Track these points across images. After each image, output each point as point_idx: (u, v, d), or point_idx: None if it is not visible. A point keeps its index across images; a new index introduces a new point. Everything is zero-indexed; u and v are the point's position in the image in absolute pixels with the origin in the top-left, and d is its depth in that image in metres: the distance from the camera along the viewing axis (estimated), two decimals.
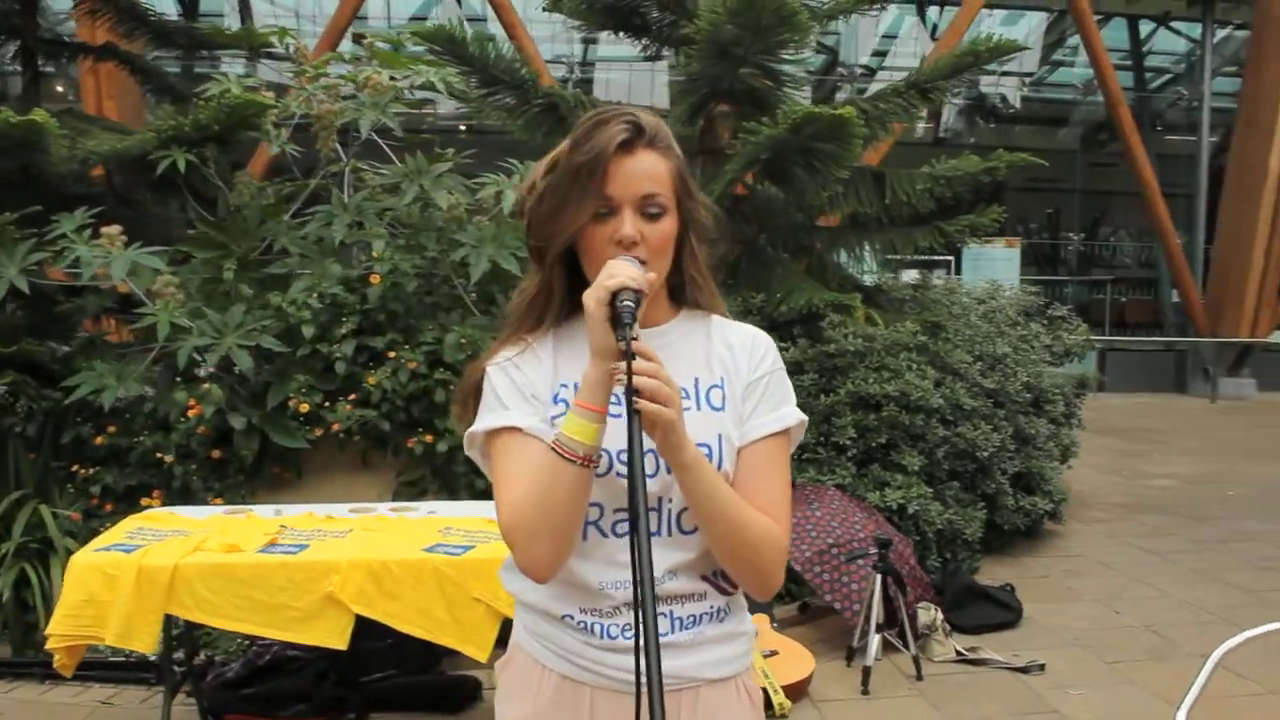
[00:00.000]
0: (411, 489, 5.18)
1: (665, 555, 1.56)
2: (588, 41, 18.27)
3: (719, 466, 1.56)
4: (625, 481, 1.48)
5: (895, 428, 6.14)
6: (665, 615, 1.57)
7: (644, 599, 1.31)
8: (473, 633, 3.41)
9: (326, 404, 5.06)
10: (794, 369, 6.22)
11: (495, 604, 3.37)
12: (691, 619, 1.60)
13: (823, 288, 6.63)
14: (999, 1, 16.14)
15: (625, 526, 1.53)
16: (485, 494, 5.15)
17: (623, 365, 1.41)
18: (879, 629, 4.76)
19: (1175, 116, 20.62)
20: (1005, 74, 19.01)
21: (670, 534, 1.58)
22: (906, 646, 4.85)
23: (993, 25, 17.45)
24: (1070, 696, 4.67)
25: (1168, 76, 21.07)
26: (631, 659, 1.42)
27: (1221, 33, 18.67)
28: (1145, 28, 19.87)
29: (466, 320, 5.31)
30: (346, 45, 13.57)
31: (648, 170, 1.56)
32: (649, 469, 1.52)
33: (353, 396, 5.08)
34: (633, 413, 1.39)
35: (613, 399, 1.47)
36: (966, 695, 4.68)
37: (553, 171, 1.62)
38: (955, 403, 6.41)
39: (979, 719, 4.46)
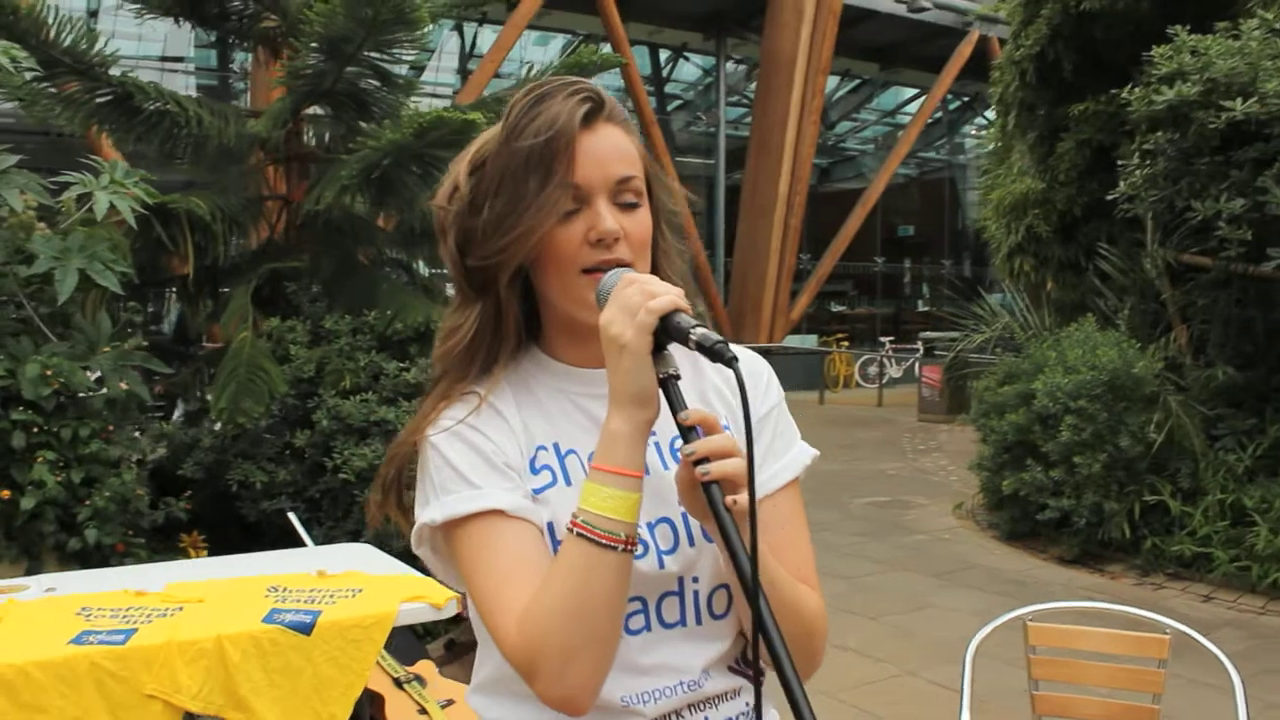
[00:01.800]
0: None
1: (698, 649, 1.25)
2: None
3: None
4: (638, 563, 1.18)
5: None
6: None
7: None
8: None
9: None
10: (416, 390, 5.84)
11: (174, 699, 2.73)
12: None
13: (437, 304, 6.29)
14: (538, 23, 16.56)
15: (642, 620, 1.22)
16: (79, 556, 4.31)
17: (690, 417, 1.12)
18: None
19: (694, 140, 22.31)
20: None
21: (700, 621, 1.26)
22: None
23: (525, 44, 17.93)
24: None
25: (678, 103, 22.78)
26: None
27: (733, 66, 20.50)
28: (665, 56, 21.34)
29: (43, 347, 4.39)
30: None
31: (618, 148, 1.24)
32: (664, 543, 1.22)
33: None
34: (709, 484, 1.08)
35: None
36: None
37: (482, 169, 1.25)
38: None
39: None
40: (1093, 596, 6.58)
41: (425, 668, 4.33)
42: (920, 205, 27.52)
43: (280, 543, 5.14)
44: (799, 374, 19.50)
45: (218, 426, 5.99)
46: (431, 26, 5.72)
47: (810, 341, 21.32)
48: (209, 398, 6.31)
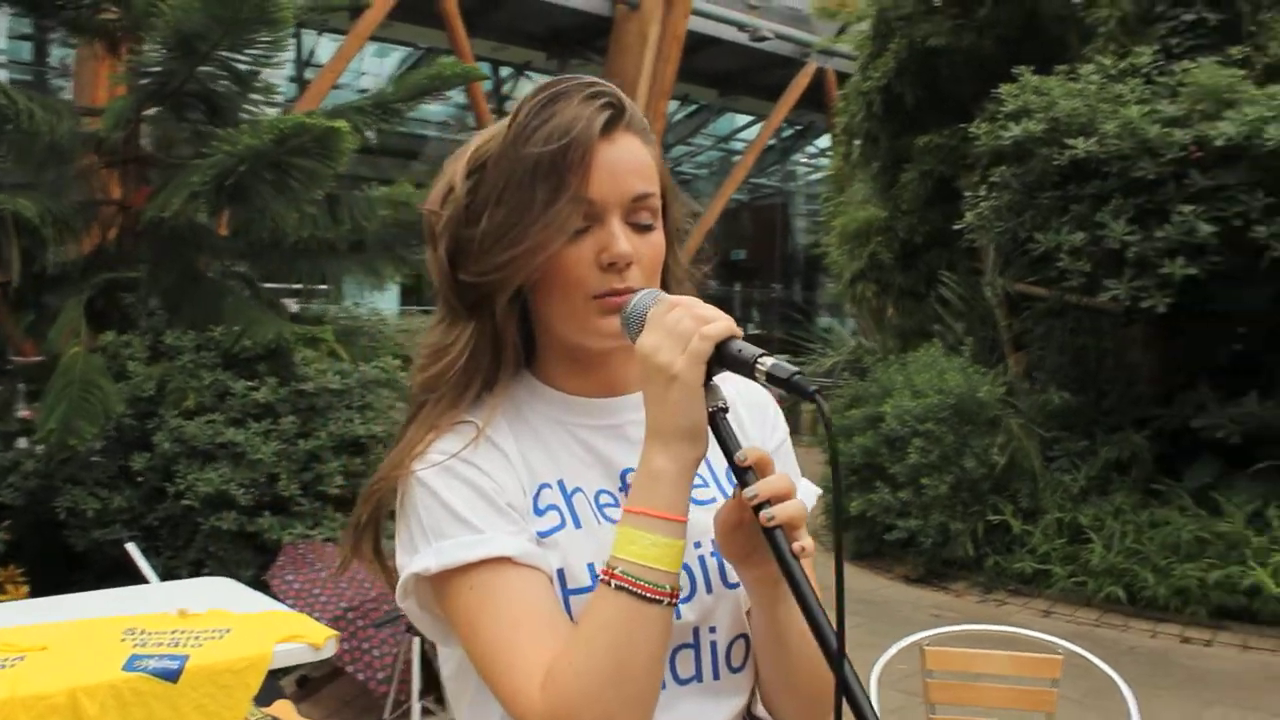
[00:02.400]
0: None
1: (717, 706, 1.14)
2: None
3: None
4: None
5: None
6: None
7: None
8: None
9: None
10: (266, 411, 5.52)
11: None
12: None
13: (283, 319, 5.98)
14: (381, 34, 16.13)
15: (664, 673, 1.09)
16: None
17: (748, 457, 1.01)
18: (421, 695, 4.32)
19: None
20: None
21: (718, 676, 1.15)
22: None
23: (363, 55, 17.49)
24: None
25: None
26: None
27: None
28: (506, 73, 21.14)
29: None
30: None
31: (636, 162, 1.11)
32: (683, 589, 1.08)
33: None
34: (767, 529, 0.98)
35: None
36: None
37: (481, 172, 1.11)
38: None
39: None
40: (940, 614, 6.74)
41: (283, 709, 4.04)
42: (752, 230, 28.04)
43: (112, 575, 4.77)
44: None
45: (39, 449, 5.51)
46: (293, 28, 5.43)
47: None
48: (25, 415, 5.83)
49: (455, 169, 1.14)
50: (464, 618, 1.05)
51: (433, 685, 4.55)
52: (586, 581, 1.08)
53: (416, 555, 1.07)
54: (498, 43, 16.90)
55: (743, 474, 1.02)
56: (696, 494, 1.17)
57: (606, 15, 17.32)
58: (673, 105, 20.20)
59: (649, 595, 0.99)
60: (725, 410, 1.04)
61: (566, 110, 1.08)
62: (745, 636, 1.17)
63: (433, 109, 21.41)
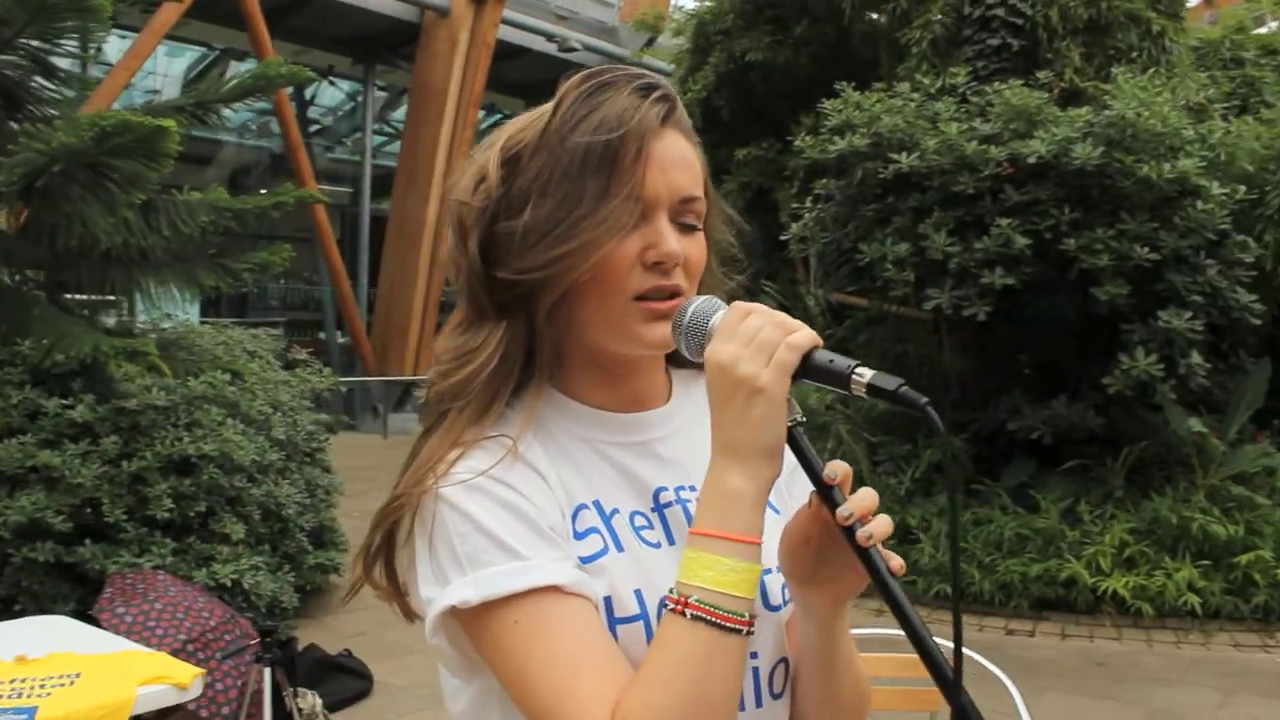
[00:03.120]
0: None
1: None
2: None
3: None
4: None
5: (214, 493, 5.35)
6: None
7: None
8: None
9: None
10: (84, 431, 5.10)
11: None
12: None
13: (98, 331, 5.54)
14: (175, 33, 15.27)
15: None
16: None
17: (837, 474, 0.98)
18: None
19: (336, 167, 21.45)
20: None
21: (760, 703, 1.09)
22: None
23: (155, 54, 16.57)
24: None
25: (318, 127, 21.90)
26: None
27: (382, 94, 19.97)
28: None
29: None
30: None
31: (686, 160, 1.06)
32: None
33: None
34: (864, 549, 0.95)
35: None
36: None
37: (517, 162, 1.04)
38: (260, 458, 5.81)
39: None
40: None
41: None
42: None
43: None
44: None
45: None
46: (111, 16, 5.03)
47: None
48: None
49: (487, 158, 1.06)
50: (509, 655, 0.95)
51: (282, 717, 4.29)
52: (634, 609, 1.01)
53: (449, 586, 0.96)
54: (300, 46, 16.28)
55: (829, 491, 0.97)
56: None
57: (414, 21, 17.01)
58: (479, 114, 19.98)
59: (729, 625, 0.92)
60: (803, 423, 0.99)
61: (616, 100, 1.02)
62: (785, 661, 1.12)
63: (225, 112, 20.44)
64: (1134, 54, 8.02)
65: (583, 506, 1.03)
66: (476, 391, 1.03)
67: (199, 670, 3.00)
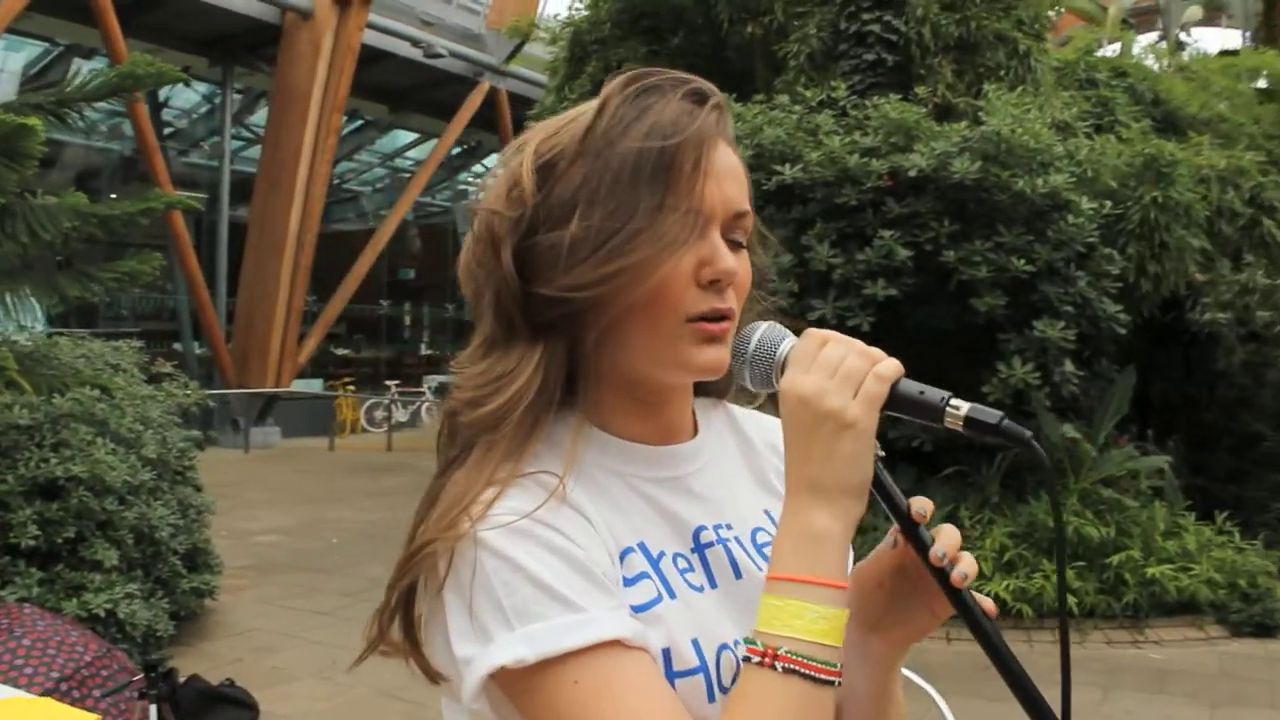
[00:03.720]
0: None
1: None
2: None
3: None
4: None
5: (84, 517, 5.03)
6: None
7: None
8: None
9: None
10: None
11: None
12: None
13: None
14: (16, 27, 14.42)
15: None
16: None
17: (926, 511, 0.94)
18: None
19: (192, 171, 20.62)
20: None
21: None
22: None
23: None
24: None
25: (171, 130, 21.04)
26: None
27: (239, 97, 19.29)
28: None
29: None
30: None
31: (736, 172, 0.99)
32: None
33: None
34: (958, 591, 0.92)
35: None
36: None
37: (553, 168, 0.95)
38: (132, 479, 5.50)
39: None
40: None
41: None
42: (422, 249, 27.67)
43: None
44: (306, 420, 18.70)
45: None
46: None
47: (316, 386, 20.52)
48: None
49: (520, 163, 0.96)
50: (566, 717, 0.86)
51: None
52: (694, 661, 0.93)
53: (493, 644, 0.85)
54: (154, 45, 15.56)
55: (917, 530, 0.92)
56: (768, 552, 1.05)
57: (275, 23, 16.52)
58: (342, 119, 19.50)
59: (823, 676, 0.85)
60: (883, 456, 0.93)
61: (666, 105, 0.94)
62: None
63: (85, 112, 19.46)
64: (1002, 72, 8.29)
65: (629, 550, 0.94)
66: (514, 423, 0.93)
67: (95, 717, 2.78)
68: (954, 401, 0.88)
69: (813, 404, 0.88)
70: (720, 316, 0.95)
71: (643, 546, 0.95)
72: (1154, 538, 6.82)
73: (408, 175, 24.46)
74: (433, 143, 21.55)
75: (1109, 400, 7.35)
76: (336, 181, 24.00)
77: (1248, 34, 15.09)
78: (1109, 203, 7.03)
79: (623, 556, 0.94)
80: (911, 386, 0.90)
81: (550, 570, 0.87)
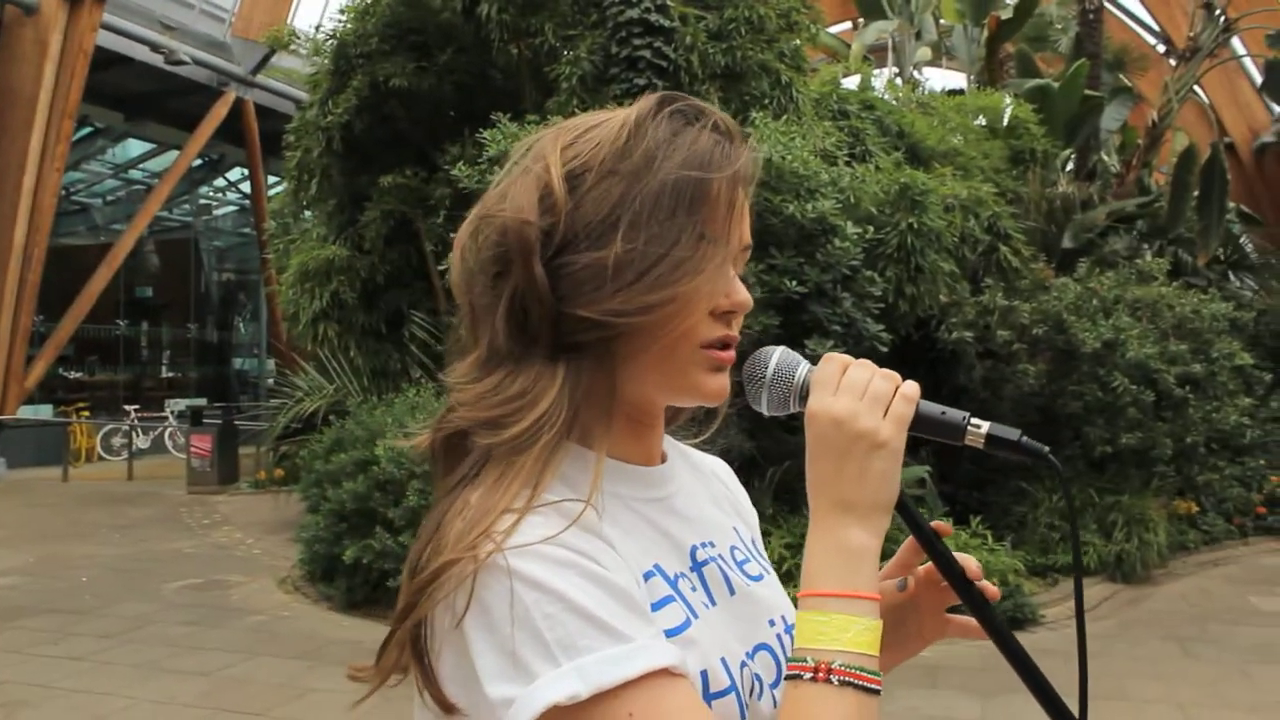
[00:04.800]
0: None
1: None
2: None
3: None
4: (759, 704, 0.96)
5: None
6: None
7: None
8: None
9: None
10: None
11: None
12: None
13: None
14: None
15: None
16: None
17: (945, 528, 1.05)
18: None
19: None
20: None
21: None
22: None
23: None
24: None
25: None
26: None
27: None
28: None
29: None
30: None
31: (747, 208, 1.02)
32: (767, 674, 0.99)
33: None
34: (982, 604, 1.01)
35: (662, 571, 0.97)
36: None
37: (580, 180, 0.93)
38: None
39: None
40: None
41: None
42: (161, 266, 26.09)
43: None
44: (34, 449, 17.26)
45: None
46: None
47: (46, 412, 18.94)
48: None
49: (546, 170, 0.93)
50: None
51: None
52: (726, 682, 0.93)
53: (539, 680, 0.80)
54: None
55: (934, 544, 0.99)
56: (748, 569, 1.08)
57: None
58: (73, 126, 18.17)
59: (875, 687, 0.88)
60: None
61: (699, 135, 0.95)
62: None
63: None
64: (767, 101, 8.66)
65: (650, 574, 0.94)
66: (541, 446, 0.90)
67: None
68: (974, 421, 0.94)
69: (846, 425, 0.92)
70: (729, 344, 0.97)
71: (659, 569, 0.95)
72: None
73: (143, 188, 23.08)
74: (173, 154, 20.43)
75: None
76: (64, 193, 22.31)
77: (971, 76, 16.36)
78: (870, 228, 7.45)
79: (645, 579, 0.93)
80: (932, 407, 0.95)
81: (593, 600, 0.84)
